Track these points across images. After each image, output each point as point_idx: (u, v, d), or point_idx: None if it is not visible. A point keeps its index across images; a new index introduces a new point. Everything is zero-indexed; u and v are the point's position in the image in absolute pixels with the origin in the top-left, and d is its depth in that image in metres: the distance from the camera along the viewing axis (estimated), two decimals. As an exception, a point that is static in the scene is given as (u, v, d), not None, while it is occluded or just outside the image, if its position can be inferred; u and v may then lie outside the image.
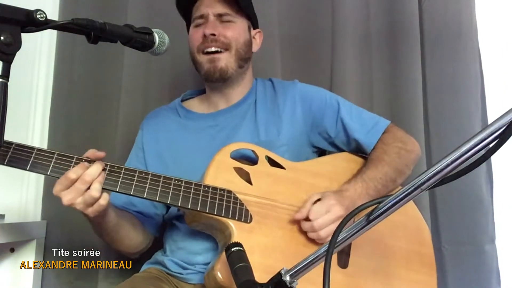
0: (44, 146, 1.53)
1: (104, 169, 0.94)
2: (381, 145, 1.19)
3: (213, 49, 1.18)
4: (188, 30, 1.29)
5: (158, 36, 0.93)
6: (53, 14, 1.56)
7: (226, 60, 1.18)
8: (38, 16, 0.73)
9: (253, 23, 1.29)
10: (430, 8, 1.58)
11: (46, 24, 0.75)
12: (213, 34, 1.17)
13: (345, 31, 1.55)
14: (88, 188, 0.91)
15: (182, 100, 1.33)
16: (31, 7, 0.74)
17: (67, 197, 0.90)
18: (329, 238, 0.94)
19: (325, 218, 1.01)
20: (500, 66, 1.60)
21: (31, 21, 0.73)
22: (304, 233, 1.05)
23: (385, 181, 1.11)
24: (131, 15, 1.53)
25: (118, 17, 1.54)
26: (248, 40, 1.24)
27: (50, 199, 1.47)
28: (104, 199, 0.94)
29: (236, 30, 1.21)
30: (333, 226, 1.01)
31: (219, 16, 1.20)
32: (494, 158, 1.52)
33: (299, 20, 1.61)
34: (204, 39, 1.18)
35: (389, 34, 1.58)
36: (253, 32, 1.29)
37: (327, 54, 1.57)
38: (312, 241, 1.04)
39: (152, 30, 0.93)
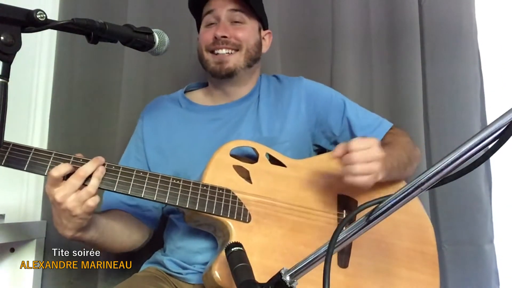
0: (44, 146, 1.53)
1: (103, 164, 0.94)
2: (391, 135, 1.20)
3: (223, 51, 1.18)
4: (198, 29, 1.30)
5: (158, 36, 0.93)
6: (53, 14, 1.56)
7: (235, 60, 1.18)
8: (38, 16, 0.73)
9: (263, 24, 1.30)
10: (430, 8, 1.58)
11: (46, 24, 0.75)
12: (224, 36, 1.17)
13: (345, 31, 1.55)
14: (84, 185, 0.91)
15: (186, 92, 1.32)
16: (31, 7, 0.74)
17: (60, 194, 0.88)
18: (359, 178, 0.95)
19: (365, 153, 0.95)
20: (500, 67, 1.60)
21: (31, 21, 0.73)
22: (303, 232, 1.04)
23: (399, 162, 1.09)
24: (131, 15, 1.53)
25: (118, 17, 1.54)
26: (258, 41, 1.25)
27: (50, 199, 1.47)
28: (92, 201, 0.91)
29: (247, 31, 1.21)
30: (370, 166, 0.95)
31: (232, 11, 1.20)
32: (492, 158, 1.51)
33: (299, 19, 1.61)
34: (215, 40, 1.18)
35: (389, 34, 1.58)
36: (263, 33, 1.29)
37: (327, 54, 1.57)
38: (312, 241, 1.03)
39: (152, 30, 0.93)
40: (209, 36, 1.19)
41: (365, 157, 0.95)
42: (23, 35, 0.73)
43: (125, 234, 1.13)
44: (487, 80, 1.58)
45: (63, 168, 0.90)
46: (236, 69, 1.18)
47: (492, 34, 1.61)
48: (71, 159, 0.93)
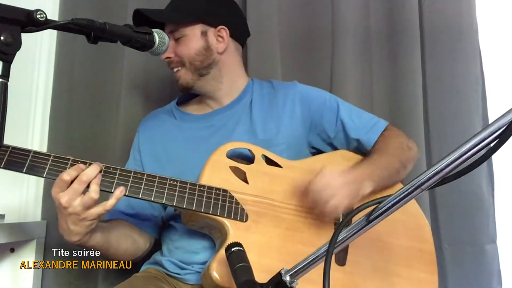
0: (44, 146, 1.53)
1: (100, 171, 0.95)
2: (382, 139, 1.20)
3: (174, 69, 1.24)
4: None
5: (158, 36, 0.93)
6: (53, 14, 1.56)
7: (184, 75, 1.22)
8: (38, 16, 0.73)
9: (211, 22, 1.22)
10: (430, 7, 1.57)
11: (46, 24, 0.74)
12: (168, 57, 1.22)
13: (345, 31, 1.55)
14: (86, 190, 0.92)
15: (178, 104, 1.34)
16: (31, 7, 0.74)
17: (64, 198, 0.90)
18: (330, 210, 0.99)
19: (324, 191, 1.00)
20: (501, 66, 1.60)
21: (31, 21, 0.73)
22: (301, 231, 1.04)
23: (389, 170, 1.11)
24: (131, 15, 1.53)
25: (118, 17, 1.53)
26: (201, 48, 1.20)
27: (50, 199, 1.45)
28: (100, 207, 0.94)
29: (185, 45, 1.21)
30: (334, 199, 0.99)
31: (170, 34, 1.20)
32: (495, 158, 1.52)
33: (299, 19, 1.60)
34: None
35: (389, 33, 1.58)
36: (212, 32, 1.22)
37: (327, 54, 1.57)
38: (309, 239, 1.04)
39: (152, 30, 0.93)
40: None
41: (326, 195, 0.99)
42: (23, 35, 0.73)
43: (129, 241, 1.15)
44: (488, 79, 1.57)
45: (74, 172, 0.91)
46: (188, 83, 1.23)
47: (494, 33, 1.61)
48: (69, 162, 0.94)
